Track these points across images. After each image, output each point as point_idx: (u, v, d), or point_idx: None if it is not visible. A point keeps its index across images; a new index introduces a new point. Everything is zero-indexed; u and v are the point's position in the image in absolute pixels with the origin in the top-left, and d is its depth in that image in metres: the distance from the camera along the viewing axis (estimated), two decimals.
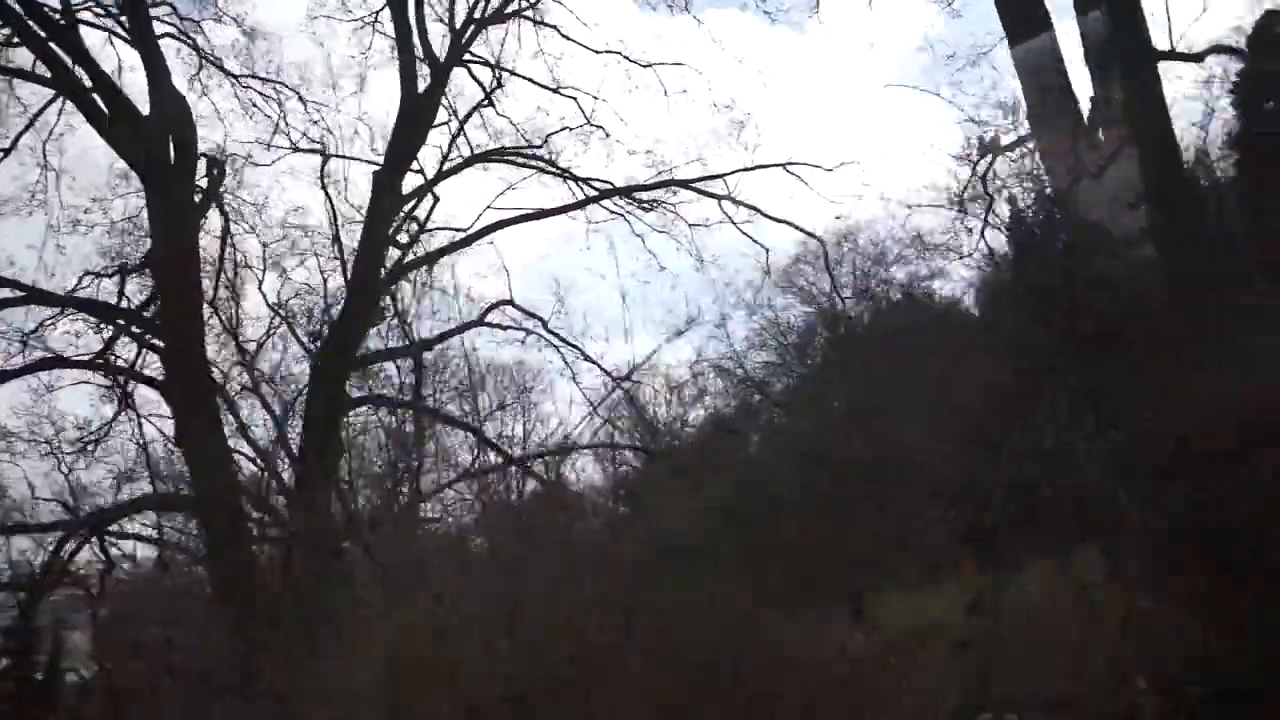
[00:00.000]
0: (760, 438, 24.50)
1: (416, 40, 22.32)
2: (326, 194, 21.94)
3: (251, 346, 22.65)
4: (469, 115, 23.01)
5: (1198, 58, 16.68)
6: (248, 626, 15.13)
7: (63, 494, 20.22)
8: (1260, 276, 13.06)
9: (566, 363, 24.05)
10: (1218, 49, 16.73)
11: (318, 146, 22.35)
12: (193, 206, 19.97)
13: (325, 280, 22.16)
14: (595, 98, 23.03)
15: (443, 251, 23.16)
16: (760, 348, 28.04)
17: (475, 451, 21.56)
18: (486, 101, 23.57)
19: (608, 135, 23.58)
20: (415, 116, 21.88)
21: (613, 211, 23.98)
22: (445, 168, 22.86)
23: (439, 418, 20.89)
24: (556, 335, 23.39)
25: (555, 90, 23.43)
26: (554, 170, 23.52)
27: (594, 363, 24.21)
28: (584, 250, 23.86)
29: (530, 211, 23.45)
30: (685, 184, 22.03)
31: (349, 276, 21.01)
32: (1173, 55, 16.29)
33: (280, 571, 17.27)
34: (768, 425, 24.37)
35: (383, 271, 21.82)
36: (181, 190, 19.74)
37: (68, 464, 20.11)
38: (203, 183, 21.29)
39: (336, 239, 21.35)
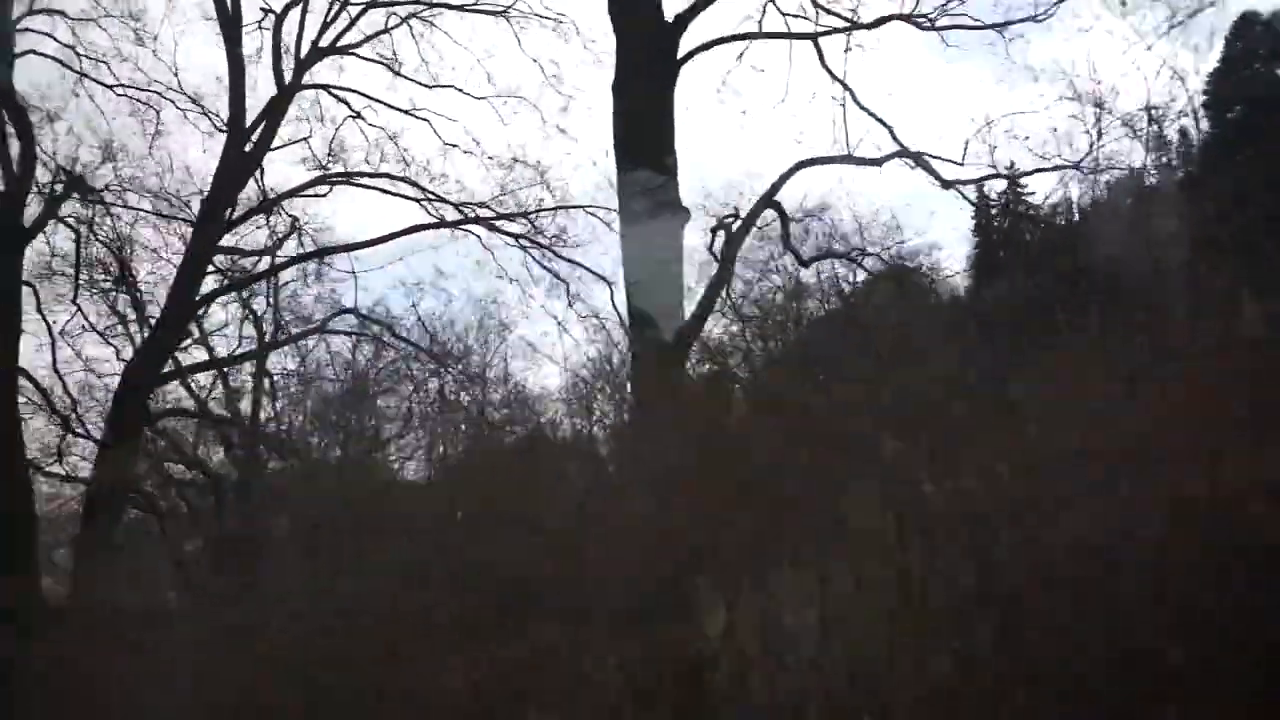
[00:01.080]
0: None
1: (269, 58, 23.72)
2: (117, 256, 23.74)
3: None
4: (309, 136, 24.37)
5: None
6: None
7: None
8: None
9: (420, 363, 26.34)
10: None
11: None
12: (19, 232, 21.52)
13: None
14: (452, 120, 24.57)
15: (282, 266, 24.95)
16: None
17: None
18: (346, 120, 24.99)
19: (467, 153, 25.35)
20: (247, 139, 23.26)
21: (463, 230, 25.48)
22: (290, 188, 24.50)
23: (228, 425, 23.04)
24: (402, 339, 25.84)
25: (407, 113, 24.99)
26: (402, 194, 24.87)
27: (441, 363, 26.25)
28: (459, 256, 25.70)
29: (376, 237, 24.95)
30: (488, 222, 23.04)
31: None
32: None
33: None
34: None
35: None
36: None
37: None
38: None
39: (122, 279, 23.19)
